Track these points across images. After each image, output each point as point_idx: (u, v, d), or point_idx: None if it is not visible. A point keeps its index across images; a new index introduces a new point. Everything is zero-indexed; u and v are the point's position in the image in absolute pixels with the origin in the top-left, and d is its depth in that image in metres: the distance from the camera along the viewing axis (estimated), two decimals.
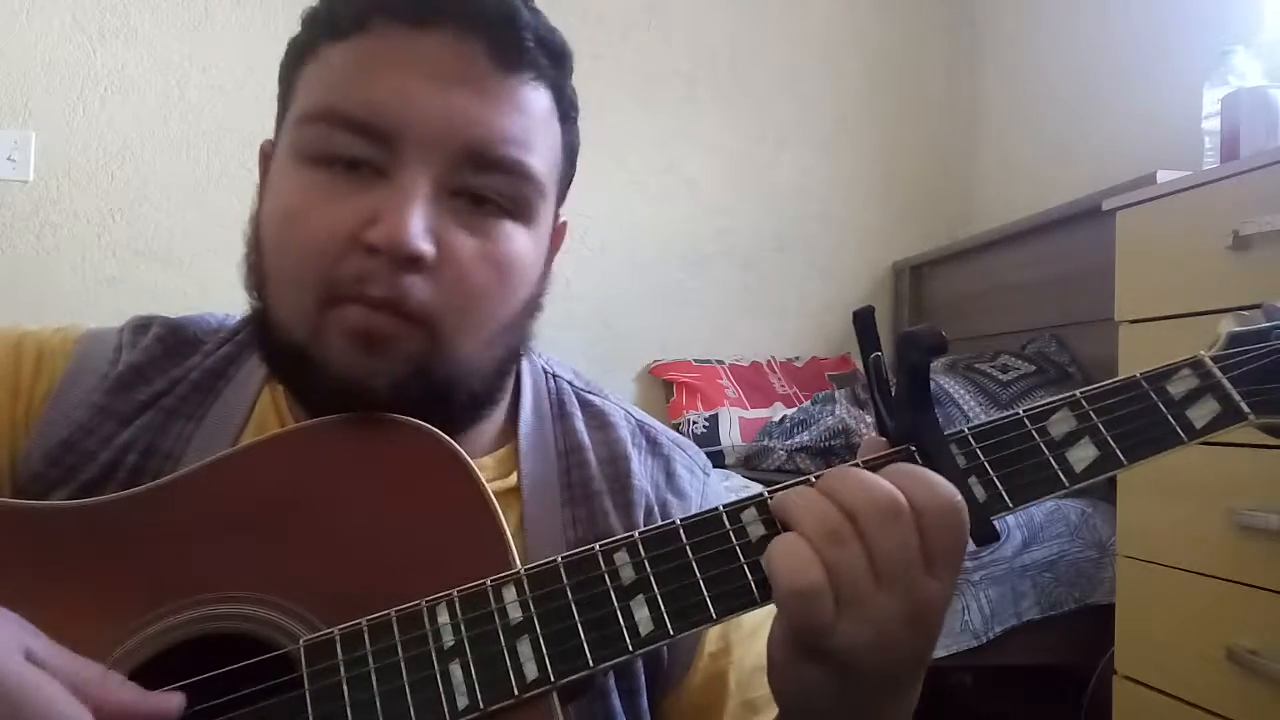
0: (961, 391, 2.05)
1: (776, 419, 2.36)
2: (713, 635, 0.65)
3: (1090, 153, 2.37)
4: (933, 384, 2.12)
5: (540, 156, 0.59)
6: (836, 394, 2.29)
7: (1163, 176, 1.60)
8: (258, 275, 0.59)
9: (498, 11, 0.56)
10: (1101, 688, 1.53)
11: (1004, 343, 2.31)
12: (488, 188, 0.57)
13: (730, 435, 2.42)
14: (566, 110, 0.62)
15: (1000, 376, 2.09)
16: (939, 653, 1.64)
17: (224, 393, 0.66)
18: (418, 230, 0.53)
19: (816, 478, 0.48)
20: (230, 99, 2.43)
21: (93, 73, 2.41)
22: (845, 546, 0.44)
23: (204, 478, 0.54)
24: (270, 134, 0.64)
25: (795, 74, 2.86)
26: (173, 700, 0.45)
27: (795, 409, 2.38)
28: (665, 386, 2.68)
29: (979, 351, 2.27)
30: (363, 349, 0.55)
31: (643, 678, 0.63)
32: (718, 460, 2.37)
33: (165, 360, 0.67)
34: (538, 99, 0.59)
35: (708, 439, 2.42)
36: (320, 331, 0.55)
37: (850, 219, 2.86)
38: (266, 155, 0.63)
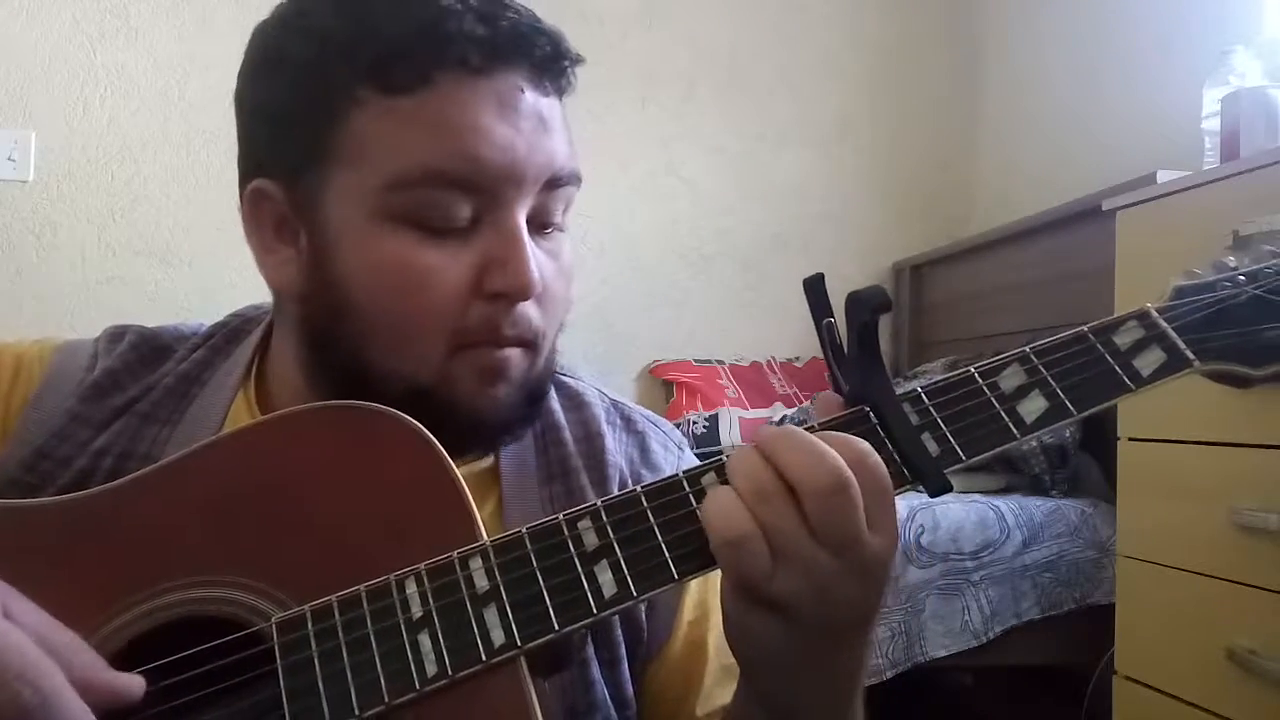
0: None
1: (776, 419, 2.36)
2: (690, 603, 0.67)
3: (1090, 153, 2.37)
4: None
5: (575, 154, 0.62)
6: None
7: (1163, 176, 1.60)
8: (344, 333, 0.59)
9: (548, 44, 0.59)
10: (1101, 688, 1.53)
11: (1004, 343, 2.29)
12: (556, 208, 0.61)
13: (730, 435, 2.42)
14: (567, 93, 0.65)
15: None
16: (939, 653, 1.64)
17: (198, 397, 0.67)
18: (535, 270, 0.58)
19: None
20: (230, 99, 2.43)
21: (93, 73, 2.41)
22: (771, 503, 0.46)
23: (176, 468, 0.55)
24: None
25: (795, 74, 2.86)
26: (134, 682, 0.46)
27: (795, 409, 2.38)
28: (665, 386, 2.68)
29: (979, 351, 2.27)
30: (491, 382, 0.60)
31: (623, 648, 0.64)
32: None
33: (140, 366, 0.68)
34: (563, 109, 0.62)
35: (708, 439, 2.42)
36: (448, 375, 0.59)
37: (850, 219, 2.86)
38: (265, 200, 0.61)
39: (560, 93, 0.61)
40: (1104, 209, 1.57)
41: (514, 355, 0.60)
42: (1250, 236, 1.26)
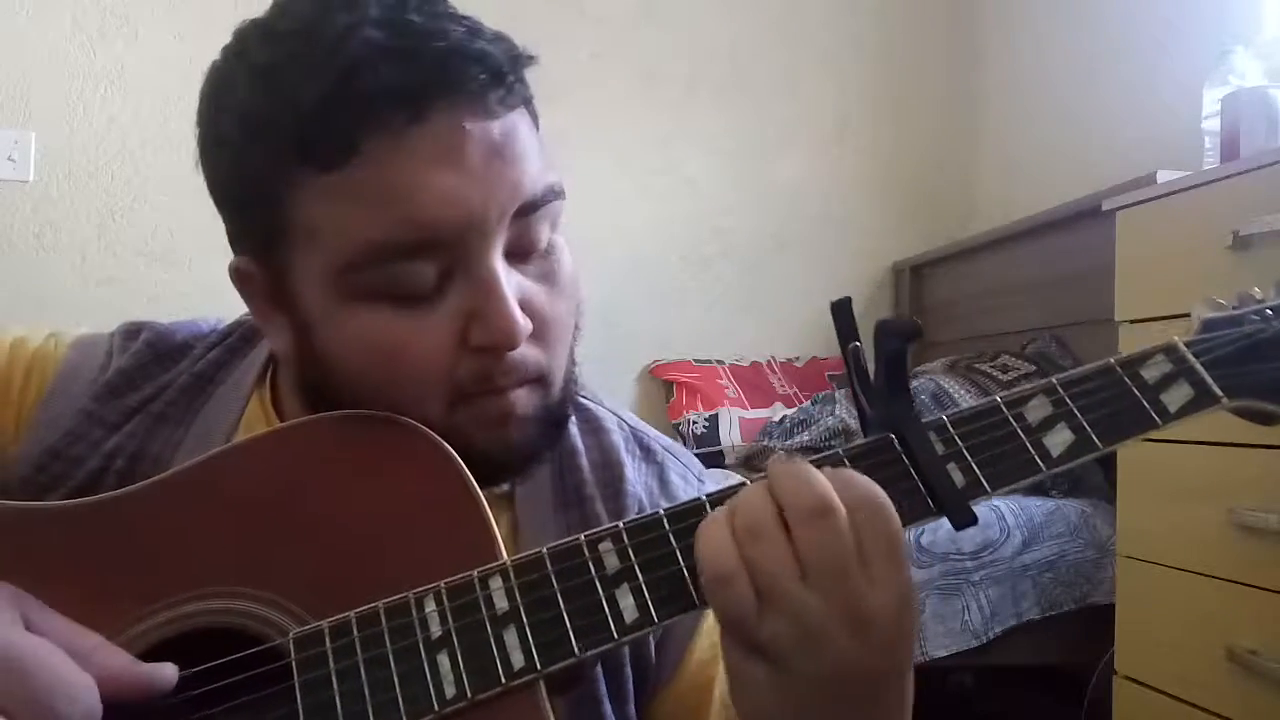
0: (961, 391, 2.05)
1: (776, 419, 2.36)
2: (704, 644, 0.64)
3: (1090, 153, 2.37)
4: (933, 383, 2.13)
5: (549, 164, 0.57)
6: (836, 394, 2.29)
7: (1163, 176, 1.59)
8: (342, 393, 0.57)
9: (482, 71, 0.53)
10: (1101, 688, 1.53)
11: (1004, 343, 2.30)
12: (539, 231, 0.57)
13: (730, 435, 2.42)
14: (529, 101, 0.59)
15: (1000, 376, 2.08)
16: (939, 652, 1.64)
17: (213, 397, 0.66)
18: (518, 317, 0.54)
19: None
20: None
21: (93, 73, 2.41)
22: (761, 541, 0.44)
23: (193, 475, 0.54)
24: None
25: (795, 74, 2.86)
26: (165, 671, 0.46)
27: (795, 409, 2.38)
28: (665, 386, 2.68)
29: (979, 351, 2.27)
30: (500, 426, 0.57)
31: (630, 684, 0.62)
32: (718, 460, 2.37)
33: (154, 366, 0.67)
34: (526, 116, 0.57)
35: (708, 439, 2.42)
36: (453, 426, 0.56)
37: (850, 219, 2.86)
38: (246, 276, 0.60)
39: (514, 104, 0.55)
40: (1104, 209, 1.57)
41: (520, 395, 0.57)
42: (1251, 237, 1.26)
